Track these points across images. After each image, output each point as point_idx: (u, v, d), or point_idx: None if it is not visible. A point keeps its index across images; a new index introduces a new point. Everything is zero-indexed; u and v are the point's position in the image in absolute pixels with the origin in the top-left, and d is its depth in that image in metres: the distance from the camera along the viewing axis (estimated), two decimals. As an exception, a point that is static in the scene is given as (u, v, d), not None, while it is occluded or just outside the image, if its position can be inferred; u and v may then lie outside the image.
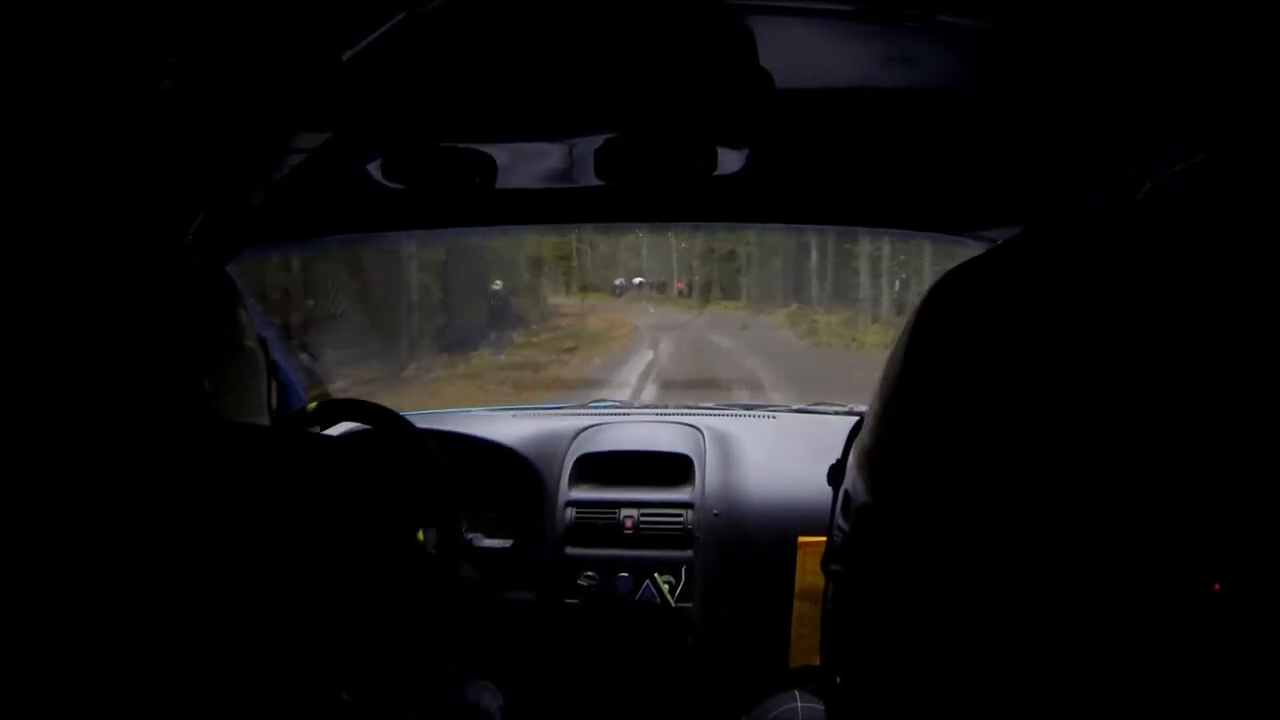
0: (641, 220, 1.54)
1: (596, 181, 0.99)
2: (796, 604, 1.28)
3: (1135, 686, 0.29)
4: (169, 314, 0.59)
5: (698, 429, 1.57)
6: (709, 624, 1.40)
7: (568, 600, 1.43)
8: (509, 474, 1.51)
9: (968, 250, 1.30)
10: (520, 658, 1.45)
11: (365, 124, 0.92)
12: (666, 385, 8.79)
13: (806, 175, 1.13)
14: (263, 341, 0.68)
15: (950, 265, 0.37)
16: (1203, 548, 0.28)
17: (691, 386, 8.88)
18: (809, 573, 1.27)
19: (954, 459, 0.32)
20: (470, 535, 1.46)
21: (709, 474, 1.47)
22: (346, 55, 0.69)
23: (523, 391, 8.46)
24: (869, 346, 10.90)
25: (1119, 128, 0.85)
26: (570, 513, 1.47)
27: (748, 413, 1.74)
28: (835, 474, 0.45)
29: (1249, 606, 0.27)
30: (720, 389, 8.22)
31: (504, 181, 1.02)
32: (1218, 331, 0.29)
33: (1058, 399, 0.30)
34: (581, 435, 1.56)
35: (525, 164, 1.05)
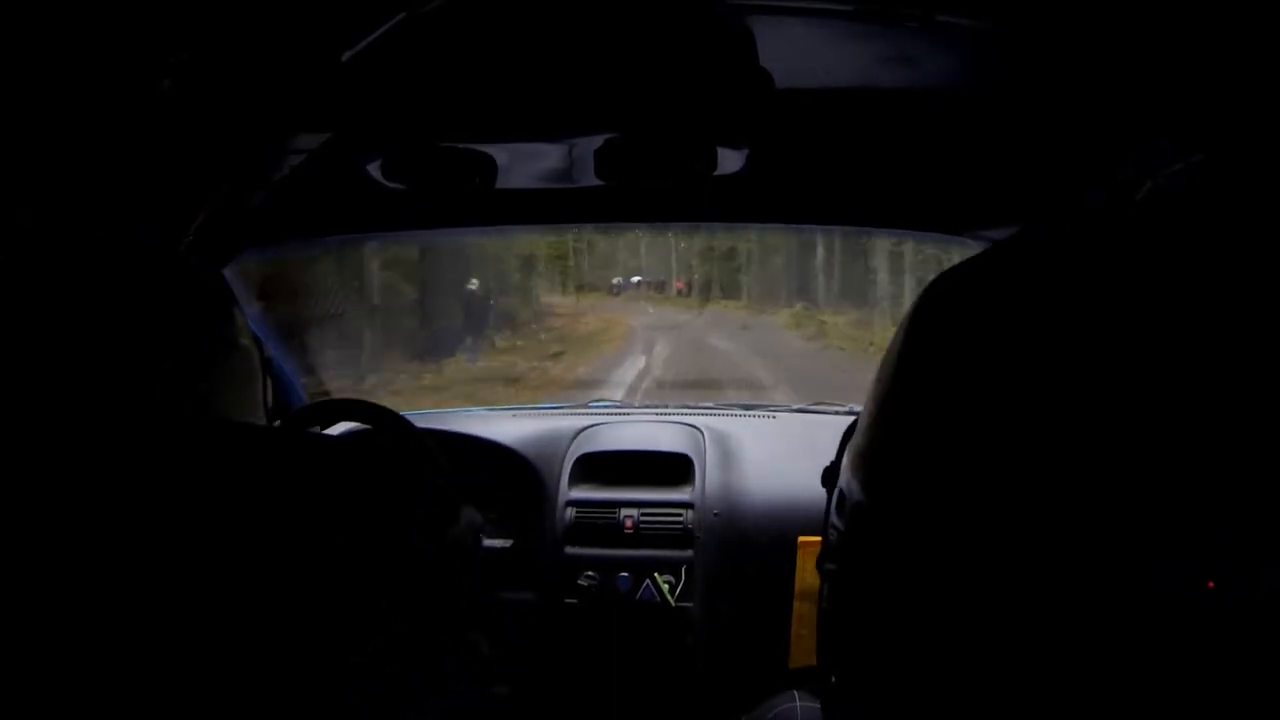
0: (641, 220, 1.54)
1: (596, 181, 0.99)
2: (796, 604, 1.28)
3: (1132, 685, 0.29)
4: (168, 314, 0.59)
5: (698, 429, 1.57)
6: (709, 624, 1.40)
7: (568, 600, 1.43)
8: (509, 474, 1.51)
9: (969, 250, 1.30)
10: (520, 658, 1.45)
11: (365, 124, 0.92)
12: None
13: (806, 175, 1.13)
14: (257, 341, 0.68)
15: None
16: (1202, 548, 0.28)
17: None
18: (809, 573, 1.27)
19: (950, 458, 0.32)
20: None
21: (709, 474, 1.47)
22: (346, 55, 0.69)
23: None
24: (891, 351, 10.08)
25: (1119, 128, 0.85)
26: (570, 512, 1.47)
27: (748, 412, 1.74)
28: (829, 475, 0.45)
29: (1249, 606, 0.27)
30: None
31: (504, 181, 1.02)
32: (1217, 331, 0.29)
33: (1055, 398, 0.30)
34: (581, 435, 1.56)
35: (525, 164, 1.05)
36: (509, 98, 0.88)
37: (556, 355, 11.01)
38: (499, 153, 0.99)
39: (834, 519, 0.41)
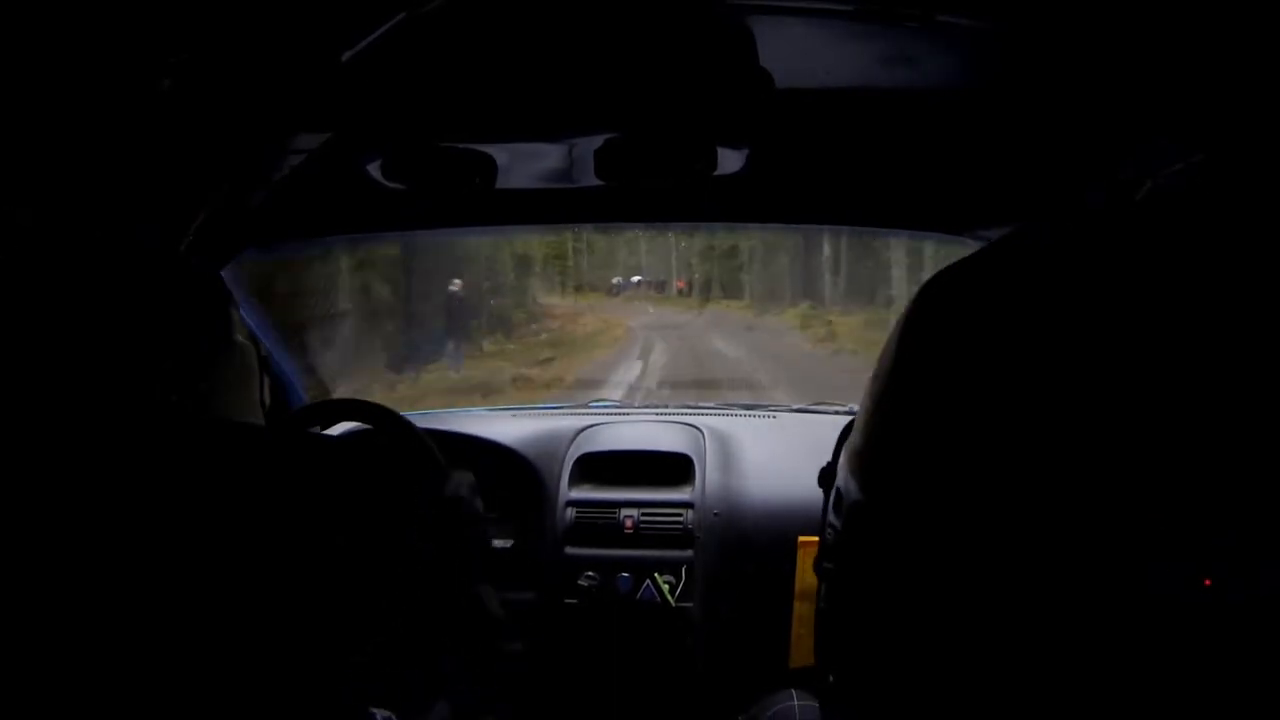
0: (641, 220, 1.54)
1: (596, 181, 0.99)
2: (796, 604, 1.28)
3: (1131, 685, 0.29)
4: (168, 314, 0.59)
5: (698, 429, 1.57)
6: (709, 624, 1.40)
7: (568, 600, 1.43)
8: (509, 474, 1.51)
9: (969, 250, 1.29)
10: (520, 658, 1.45)
11: (365, 124, 0.92)
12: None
13: (806, 175, 1.13)
14: (254, 339, 0.68)
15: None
16: (1202, 548, 0.28)
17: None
18: (809, 573, 1.27)
19: (948, 457, 0.32)
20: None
21: (709, 474, 1.47)
22: (346, 55, 0.69)
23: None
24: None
25: (1119, 128, 0.85)
26: (570, 512, 1.46)
27: (748, 412, 1.74)
28: (825, 477, 0.45)
29: (1248, 606, 0.27)
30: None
31: (504, 181, 1.02)
32: (1216, 331, 0.29)
33: (1053, 397, 0.30)
34: (581, 435, 1.56)
35: (525, 164, 1.05)
36: (509, 98, 0.88)
37: (546, 361, 10.24)
38: (499, 153, 0.99)
39: (831, 518, 0.41)
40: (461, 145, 0.97)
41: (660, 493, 1.47)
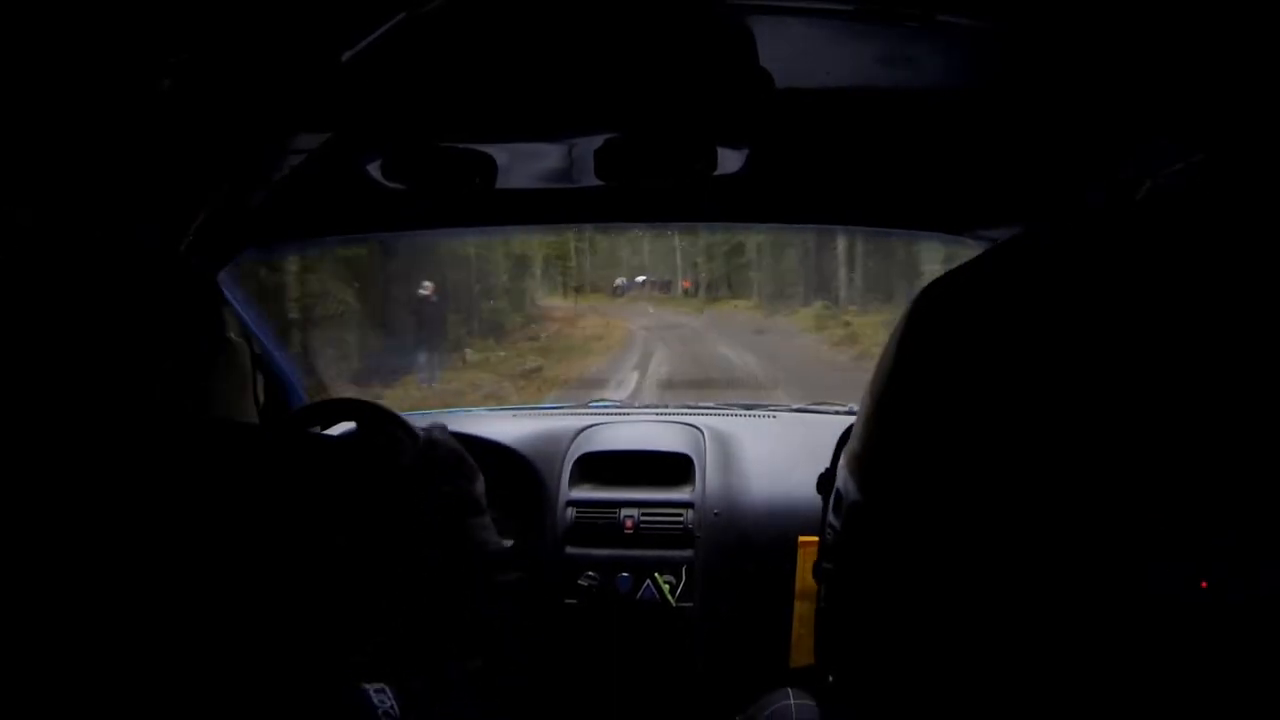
0: (641, 220, 1.55)
1: (596, 181, 0.99)
2: (797, 604, 1.28)
3: (1131, 685, 0.29)
4: (168, 314, 0.59)
5: (698, 428, 1.57)
6: (709, 624, 1.40)
7: (568, 600, 1.43)
8: (509, 474, 1.51)
9: (970, 250, 1.30)
10: (520, 658, 1.44)
11: (365, 124, 0.92)
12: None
13: (807, 175, 1.13)
14: (247, 338, 0.69)
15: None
16: (1202, 548, 0.28)
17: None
18: (809, 573, 1.27)
19: (948, 458, 0.32)
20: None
21: (709, 474, 1.47)
22: (346, 55, 0.69)
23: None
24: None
25: (1119, 128, 0.85)
26: (570, 512, 1.46)
27: (748, 412, 1.74)
28: (824, 482, 0.45)
29: (1248, 606, 0.27)
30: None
31: (504, 181, 1.02)
32: (1216, 331, 0.29)
33: (1053, 398, 0.30)
34: (581, 435, 1.56)
35: (525, 164, 1.05)
36: (509, 98, 0.88)
37: (532, 372, 9.10)
38: (499, 153, 0.99)
39: (831, 519, 0.42)
40: (461, 145, 0.97)
41: (660, 493, 1.47)
